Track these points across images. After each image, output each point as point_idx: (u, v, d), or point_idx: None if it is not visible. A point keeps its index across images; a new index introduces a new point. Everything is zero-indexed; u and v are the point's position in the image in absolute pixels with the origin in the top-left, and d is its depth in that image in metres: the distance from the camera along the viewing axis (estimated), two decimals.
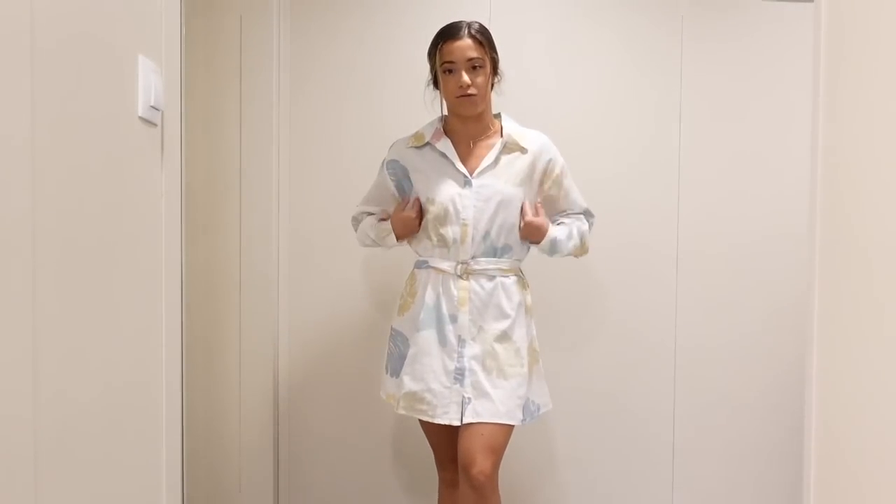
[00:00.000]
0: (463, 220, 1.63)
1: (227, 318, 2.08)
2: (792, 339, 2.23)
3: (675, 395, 2.28)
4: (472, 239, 1.63)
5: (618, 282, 2.25)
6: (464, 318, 1.62)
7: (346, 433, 2.23)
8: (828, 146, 0.85)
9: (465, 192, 1.64)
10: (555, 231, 1.70)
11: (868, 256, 0.76)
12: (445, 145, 1.68)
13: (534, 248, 1.75)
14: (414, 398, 1.63)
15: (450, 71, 1.62)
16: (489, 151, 1.67)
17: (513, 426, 1.61)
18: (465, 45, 1.60)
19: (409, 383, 1.64)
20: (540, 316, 1.79)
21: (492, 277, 1.65)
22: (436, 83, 1.70)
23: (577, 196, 1.77)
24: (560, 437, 2.27)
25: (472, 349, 1.62)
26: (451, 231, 1.64)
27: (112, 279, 0.89)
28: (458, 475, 1.72)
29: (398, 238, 1.73)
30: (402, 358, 1.69)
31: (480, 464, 1.55)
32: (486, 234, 1.64)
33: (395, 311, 1.76)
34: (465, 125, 1.69)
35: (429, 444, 1.79)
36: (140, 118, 0.97)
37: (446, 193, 1.64)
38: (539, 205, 1.71)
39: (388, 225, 1.75)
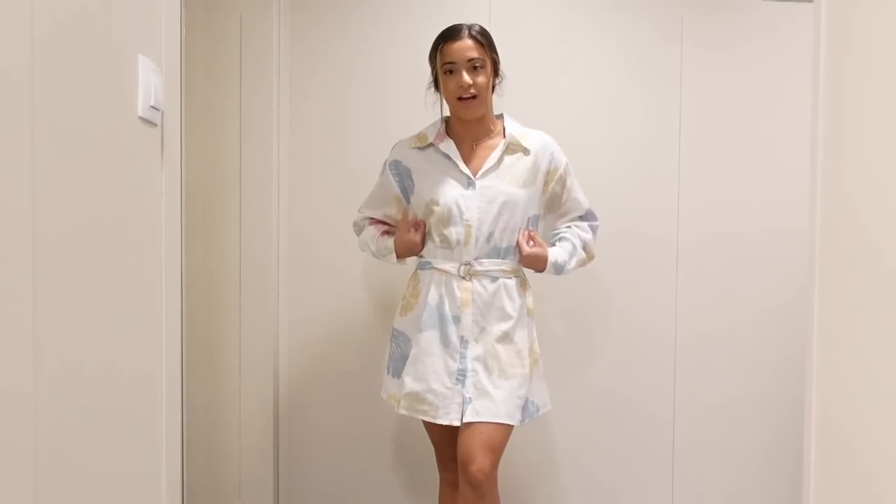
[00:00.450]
0: (466, 221, 1.63)
1: (227, 318, 2.08)
2: (792, 338, 2.23)
3: (674, 394, 2.29)
4: (476, 240, 1.63)
5: (618, 281, 2.25)
6: (467, 318, 1.63)
7: (346, 433, 2.23)
8: (828, 146, 0.85)
9: (469, 193, 1.64)
10: (556, 253, 1.70)
11: (868, 256, 0.76)
12: (449, 146, 1.68)
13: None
14: (416, 398, 1.64)
15: (450, 71, 1.63)
16: (492, 152, 1.68)
17: (512, 426, 1.61)
18: (466, 46, 1.61)
19: (410, 384, 1.64)
20: (540, 315, 1.79)
21: (494, 279, 1.65)
22: (436, 85, 1.71)
23: (580, 196, 1.77)
24: (560, 436, 2.27)
25: (474, 350, 1.62)
26: (454, 232, 1.64)
27: (112, 279, 0.89)
28: (457, 473, 1.73)
29: (399, 258, 1.75)
30: (404, 358, 1.69)
31: (479, 462, 1.55)
32: (490, 236, 1.64)
33: (397, 311, 1.76)
34: (468, 127, 1.70)
35: (431, 444, 1.79)
36: (140, 118, 0.97)
37: (450, 194, 1.65)
38: (533, 232, 1.70)
39: (390, 243, 1.75)
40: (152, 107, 0.99)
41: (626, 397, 2.27)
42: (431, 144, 1.70)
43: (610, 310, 2.26)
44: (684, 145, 2.26)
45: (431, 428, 1.73)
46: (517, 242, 1.68)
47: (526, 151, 1.69)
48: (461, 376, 1.61)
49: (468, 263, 1.64)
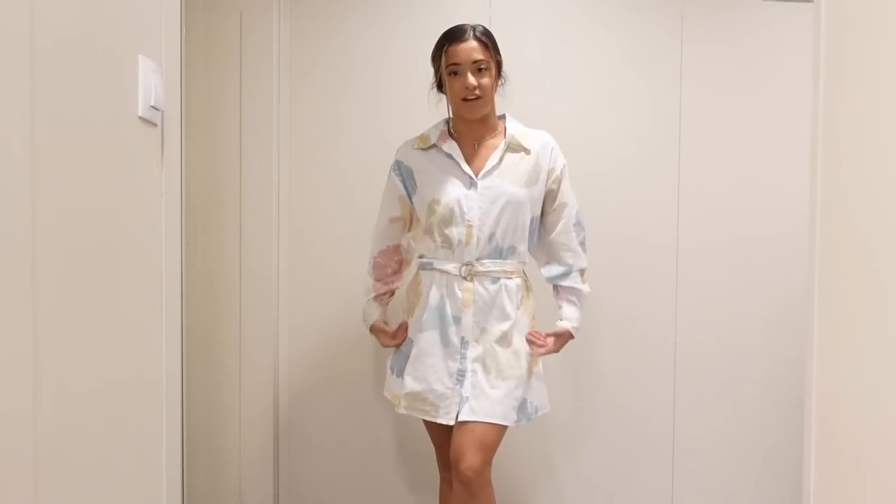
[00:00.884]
0: (468, 221, 1.63)
1: (227, 318, 2.08)
2: (792, 337, 2.23)
3: (674, 393, 2.28)
4: (477, 240, 1.63)
5: (618, 281, 2.25)
6: (467, 319, 1.63)
7: (346, 434, 2.23)
8: (828, 145, 0.85)
9: (471, 193, 1.64)
10: (571, 321, 1.71)
11: (868, 255, 0.76)
12: (451, 147, 1.69)
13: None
14: (416, 398, 1.64)
15: (455, 73, 1.63)
16: (493, 152, 1.68)
17: (506, 427, 1.61)
18: (471, 48, 1.61)
19: (411, 383, 1.65)
20: (540, 315, 1.79)
21: (496, 279, 1.65)
22: (439, 86, 1.71)
23: (571, 200, 1.74)
24: (560, 437, 2.27)
25: (474, 351, 1.63)
26: (455, 232, 1.64)
27: (112, 279, 0.89)
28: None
29: (370, 329, 1.81)
30: (406, 358, 1.69)
31: (469, 459, 1.56)
32: (492, 236, 1.64)
33: (405, 311, 1.78)
34: (470, 127, 1.70)
35: (431, 444, 1.79)
36: (140, 118, 0.97)
37: (452, 194, 1.64)
38: (535, 333, 1.69)
39: (370, 317, 1.79)
40: (152, 107, 0.99)
41: (626, 396, 2.27)
42: (434, 145, 1.71)
43: (610, 311, 2.26)
44: (684, 145, 2.26)
45: (431, 427, 1.74)
46: (530, 352, 1.67)
47: (527, 151, 1.68)
48: (461, 376, 1.62)
49: (469, 264, 1.64)
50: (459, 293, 1.64)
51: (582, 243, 1.76)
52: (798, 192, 2.22)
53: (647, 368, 2.27)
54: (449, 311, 1.64)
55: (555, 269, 1.76)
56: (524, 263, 1.73)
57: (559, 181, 1.72)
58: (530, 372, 1.68)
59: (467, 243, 1.64)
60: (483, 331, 1.64)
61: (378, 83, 2.19)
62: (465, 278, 1.64)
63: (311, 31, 2.18)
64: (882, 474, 0.74)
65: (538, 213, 1.72)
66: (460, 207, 1.63)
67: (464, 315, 1.63)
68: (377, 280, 1.81)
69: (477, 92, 1.61)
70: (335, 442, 2.23)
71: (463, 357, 1.63)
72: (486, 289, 1.64)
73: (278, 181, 2.15)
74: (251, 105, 2.07)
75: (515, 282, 1.67)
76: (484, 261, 1.65)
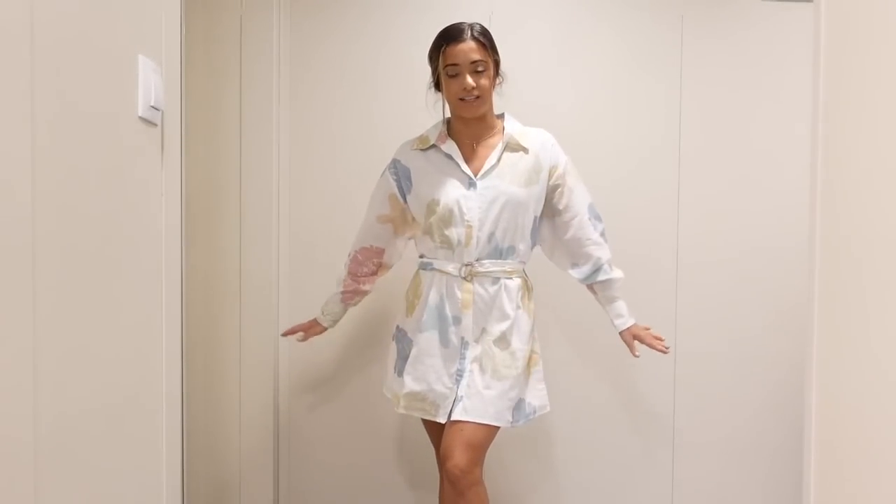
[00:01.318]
0: (467, 221, 1.63)
1: (227, 318, 2.08)
2: (792, 340, 2.23)
3: (675, 396, 2.28)
4: (477, 241, 1.63)
5: None
6: (467, 320, 1.63)
7: (346, 433, 2.23)
8: (828, 146, 0.85)
9: (470, 193, 1.63)
10: (625, 317, 1.78)
11: (868, 255, 0.76)
12: (450, 147, 1.68)
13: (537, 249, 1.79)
14: (416, 398, 1.64)
15: (453, 74, 1.62)
16: (492, 152, 1.67)
17: (497, 427, 1.61)
18: (469, 48, 1.60)
19: (410, 383, 1.65)
20: (541, 316, 1.79)
21: (496, 280, 1.64)
22: (437, 86, 1.70)
23: (581, 195, 1.73)
24: (559, 436, 2.27)
25: (473, 351, 1.63)
26: (455, 233, 1.63)
27: (112, 279, 0.89)
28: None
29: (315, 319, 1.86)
30: (406, 358, 1.69)
31: (457, 458, 1.55)
32: (491, 236, 1.63)
33: (403, 311, 1.77)
34: (469, 127, 1.69)
35: (431, 443, 1.79)
36: (140, 118, 0.97)
37: (451, 195, 1.64)
38: (631, 342, 1.79)
39: (328, 314, 1.85)
40: (152, 107, 0.99)
41: (627, 398, 2.27)
42: (433, 146, 1.70)
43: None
44: (684, 145, 2.26)
45: (431, 427, 1.74)
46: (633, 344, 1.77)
47: (525, 150, 1.68)
48: (459, 377, 1.62)
49: (469, 264, 1.64)
50: (459, 294, 1.63)
51: (602, 234, 1.75)
52: (798, 192, 2.22)
53: (648, 369, 2.27)
54: (448, 312, 1.64)
55: (585, 269, 1.75)
56: (524, 263, 1.72)
57: (563, 177, 1.70)
58: (528, 372, 1.67)
59: (467, 244, 1.63)
60: (483, 331, 1.63)
61: (378, 83, 2.19)
62: (464, 279, 1.64)
63: (311, 31, 2.18)
64: (882, 475, 0.74)
65: (540, 212, 1.71)
66: (459, 208, 1.63)
67: (464, 316, 1.63)
68: (349, 274, 1.81)
69: (475, 93, 1.60)
70: (335, 441, 2.23)
71: (462, 357, 1.63)
72: (486, 290, 1.64)
73: (278, 181, 2.15)
74: (251, 105, 2.07)
75: (516, 282, 1.67)
76: (484, 261, 1.64)
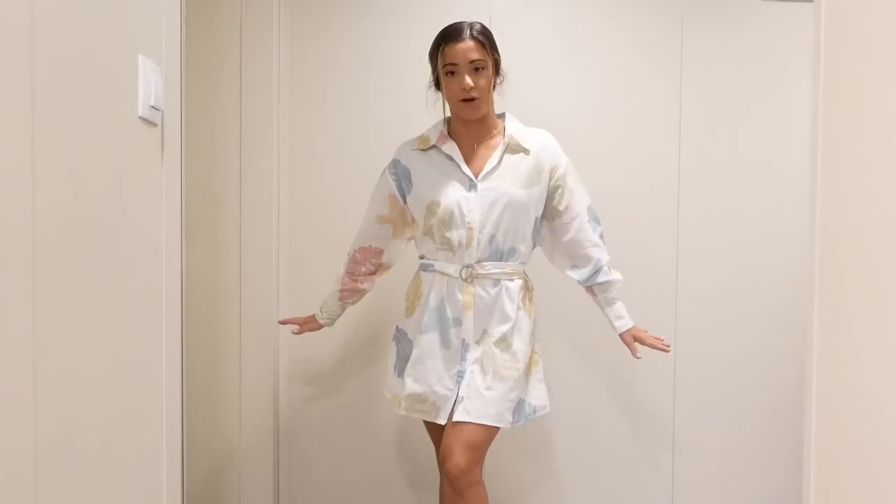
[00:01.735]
0: (468, 223, 1.62)
1: (227, 318, 2.08)
2: (792, 339, 2.23)
3: (675, 396, 2.28)
4: (478, 243, 1.62)
5: None
6: (468, 322, 1.63)
7: (346, 434, 2.23)
8: (827, 145, 0.85)
9: (471, 195, 1.63)
10: (625, 319, 1.77)
11: (868, 255, 0.76)
12: (451, 148, 1.67)
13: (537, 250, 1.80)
14: (416, 399, 1.64)
15: (452, 73, 1.61)
16: (493, 153, 1.66)
17: (498, 428, 1.61)
18: (468, 47, 1.59)
19: (411, 385, 1.65)
20: (540, 318, 1.79)
21: (496, 282, 1.64)
22: (437, 85, 1.70)
23: (581, 197, 1.72)
24: (559, 436, 2.27)
25: (474, 353, 1.62)
26: (456, 235, 1.63)
27: (112, 279, 0.89)
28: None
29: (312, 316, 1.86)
30: (407, 359, 1.69)
31: (456, 458, 1.56)
32: (492, 238, 1.63)
33: (403, 311, 1.77)
34: (469, 127, 1.68)
35: (432, 444, 1.79)
36: (140, 118, 0.97)
37: (452, 196, 1.63)
38: (632, 344, 1.77)
39: (326, 312, 1.84)
40: (152, 107, 0.99)
41: (627, 398, 2.27)
42: (434, 146, 1.69)
43: None
44: (684, 144, 2.26)
45: (432, 428, 1.74)
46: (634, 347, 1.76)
47: (526, 151, 1.67)
48: (460, 378, 1.62)
49: (470, 266, 1.63)
50: (460, 296, 1.63)
51: (601, 236, 1.74)
52: (798, 192, 2.22)
53: (647, 370, 2.27)
54: (449, 314, 1.64)
55: (584, 271, 1.74)
56: (525, 264, 1.72)
57: (563, 179, 1.70)
58: (529, 373, 1.67)
59: (467, 246, 1.63)
60: (484, 332, 1.63)
61: (378, 82, 2.19)
62: (465, 281, 1.63)
63: (310, 31, 2.18)
64: (882, 475, 0.74)
65: (540, 213, 1.71)
66: (460, 210, 1.62)
67: (464, 317, 1.63)
68: (348, 273, 1.80)
69: (473, 93, 1.60)
70: (335, 442, 2.23)
71: (463, 359, 1.62)
72: (486, 292, 1.63)
73: (278, 181, 2.15)
74: (251, 105, 2.07)
75: (516, 283, 1.66)
76: (484, 263, 1.64)
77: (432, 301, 1.65)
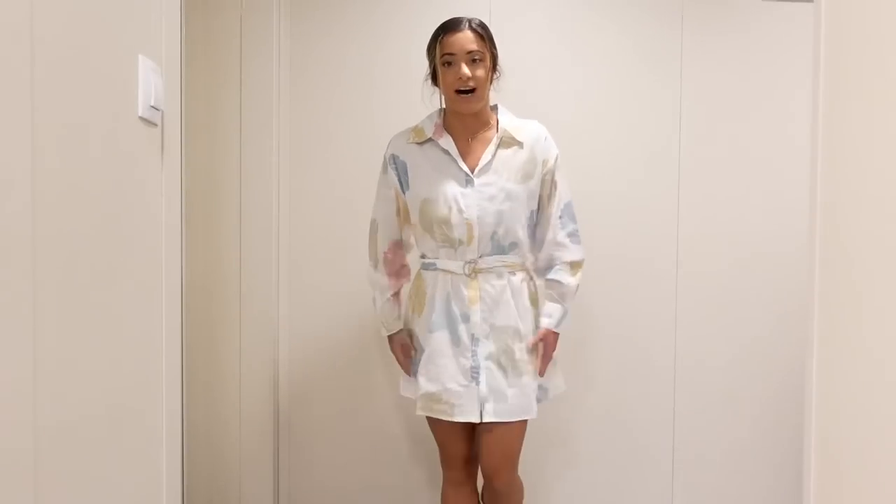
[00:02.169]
0: (467, 219, 1.62)
1: (227, 318, 2.08)
2: (792, 338, 2.23)
3: (675, 398, 2.28)
4: (479, 238, 1.63)
5: (617, 283, 2.25)
6: (476, 316, 1.63)
7: (346, 434, 2.23)
8: (828, 145, 0.85)
9: (468, 191, 1.63)
10: (550, 318, 1.69)
11: (868, 257, 0.76)
12: (448, 142, 1.67)
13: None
14: (431, 398, 1.65)
15: (449, 63, 1.61)
16: (487, 147, 1.66)
17: (527, 420, 1.68)
18: (466, 38, 1.59)
19: (425, 384, 1.65)
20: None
21: (500, 275, 1.65)
22: (434, 79, 1.69)
23: (563, 189, 1.71)
24: (559, 436, 2.27)
25: (485, 347, 1.63)
26: (456, 231, 1.63)
27: (112, 279, 0.89)
28: (464, 474, 1.75)
29: (389, 339, 1.81)
30: (417, 359, 1.71)
31: (504, 476, 1.69)
32: (493, 233, 1.63)
33: (409, 312, 1.77)
34: (464, 121, 1.68)
35: (436, 444, 1.78)
36: (140, 118, 0.97)
37: (449, 193, 1.63)
38: (534, 342, 1.68)
39: (389, 322, 1.77)
40: (152, 107, 0.99)
41: (627, 401, 2.27)
42: (430, 139, 1.69)
43: (609, 314, 2.25)
44: (684, 142, 2.26)
45: (441, 427, 1.71)
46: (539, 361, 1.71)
47: (520, 145, 1.67)
48: (475, 374, 1.63)
49: (472, 262, 1.64)
50: (466, 291, 1.64)
51: (570, 235, 1.71)
52: (799, 189, 2.22)
53: (648, 371, 2.27)
54: (457, 310, 1.64)
55: (540, 262, 1.76)
56: (526, 256, 1.73)
57: (552, 172, 1.70)
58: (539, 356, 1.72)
59: (468, 242, 1.63)
60: (492, 327, 1.64)
61: (378, 82, 2.19)
62: (469, 276, 1.64)
63: (310, 31, 2.18)
64: (882, 476, 0.74)
65: (535, 206, 1.71)
66: (458, 206, 1.62)
67: (472, 313, 1.63)
68: (390, 276, 1.78)
69: (471, 83, 1.59)
70: (335, 442, 2.23)
71: (475, 354, 1.63)
72: (491, 285, 1.64)
73: (278, 181, 2.15)
74: (251, 105, 2.07)
75: (519, 276, 1.68)
76: (486, 257, 1.64)
77: (439, 299, 1.65)
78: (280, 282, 2.18)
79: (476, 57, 1.60)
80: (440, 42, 1.62)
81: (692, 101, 2.25)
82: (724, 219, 2.26)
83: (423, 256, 1.74)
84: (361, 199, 2.16)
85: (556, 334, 1.71)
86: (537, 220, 1.73)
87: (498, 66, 1.69)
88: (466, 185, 1.64)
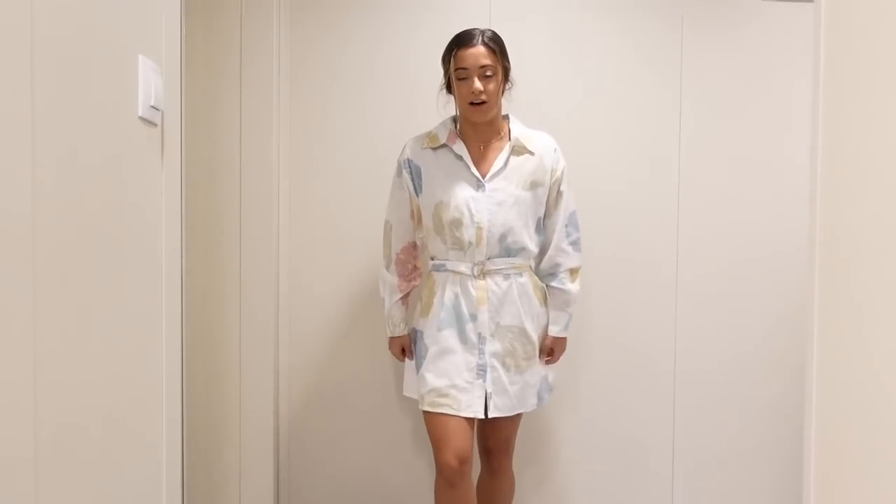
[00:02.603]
0: (478, 223, 1.70)
1: (227, 318, 2.08)
2: (792, 341, 2.23)
3: (674, 399, 2.28)
4: (488, 241, 1.70)
5: (617, 284, 2.25)
6: (483, 316, 1.71)
7: (346, 435, 2.23)
8: (828, 146, 0.85)
9: (479, 195, 1.71)
10: (557, 326, 1.83)
11: (868, 258, 0.76)
12: (461, 148, 1.75)
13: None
14: (438, 394, 1.70)
15: (463, 78, 1.68)
16: (499, 154, 1.74)
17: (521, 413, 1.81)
18: (479, 53, 1.66)
19: (432, 380, 1.71)
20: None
21: (507, 276, 1.73)
22: (448, 88, 1.77)
23: (568, 201, 1.82)
24: (559, 436, 2.27)
25: (492, 346, 1.72)
26: (466, 234, 1.71)
27: (112, 280, 0.89)
28: (459, 471, 1.74)
29: (390, 339, 1.90)
30: (423, 357, 1.75)
31: (502, 456, 1.88)
32: (501, 236, 1.71)
33: (417, 312, 1.83)
34: (477, 129, 1.75)
35: (431, 444, 1.77)
36: (140, 118, 0.97)
37: (461, 196, 1.71)
38: (546, 349, 1.84)
39: (395, 322, 1.86)
40: (152, 107, 0.99)
41: (626, 401, 2.27)
42: (444, 145, 1.76)
43: (610, 314, 2.25)
44: (684, 144, 2.26)
45: (443, 422, 1.71)
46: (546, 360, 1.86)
47: (531, 153, 1.75)
48: (482, 371, 1.70)
49: (481, 263, 1.71)
50: (474, 291, 1.71)
51: (574, 243, 1.83)
52: (799, 191, 2.23)
53: (648, 371, 2.27)
54: (465, 310, 1.71)
55: (543, 267, 1.84)
56: (532, 259, 1.81)
57: (559, 182, 1.80)
58: (543, 355, 1.84)
59: (478, 244, 1.71)
60: (498, 326, 1.72)
61: (378, 82, 2.19)
62: (477, 277, 1.71)
63: (310, 31, 2.18)
64: (882, 475, 0.74)
65: (542, 213, 1.80)
66: (469, 209, 1.70)
67: (479, 312, 1.71)
68: (401, 277, 1.85)
69: (483, 97, 1.66)
70: (335, 442, 2.23)
71: (482, 352, 1.71)
72: (498, 286, 1.72)
73: (278, 181, 2.15)
74: (251, 105, 2.07)
75: (525, 277, 1.76)
76: (494, 259, 1.73)
77: (447, 299, 1.73)
78: (280, 282, 2.18)
79: (489, 72, 1.67)
80: (454, 56, 1.69)
81: (692, 100, 2.25)
82: (725, 219, 2.26)
83: (432, 258, 1.81)
84: (361, 199, 2.16)
85: (565, 339, 1.87)
86: (543, 227, 1.83)
87: (510, 78, 1.76)
88: (478, 190, 1.71)
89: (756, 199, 2.26)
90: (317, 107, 2.20)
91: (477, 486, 1.93)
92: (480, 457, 1.91)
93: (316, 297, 2.21)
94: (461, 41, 1.68)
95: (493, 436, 1.85)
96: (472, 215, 1.70)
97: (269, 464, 2.14)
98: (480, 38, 1.67)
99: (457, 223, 1.71)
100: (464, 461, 1.73)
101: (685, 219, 2.26)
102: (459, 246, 1.72)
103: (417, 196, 1.80)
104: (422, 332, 1.78)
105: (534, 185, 1.74)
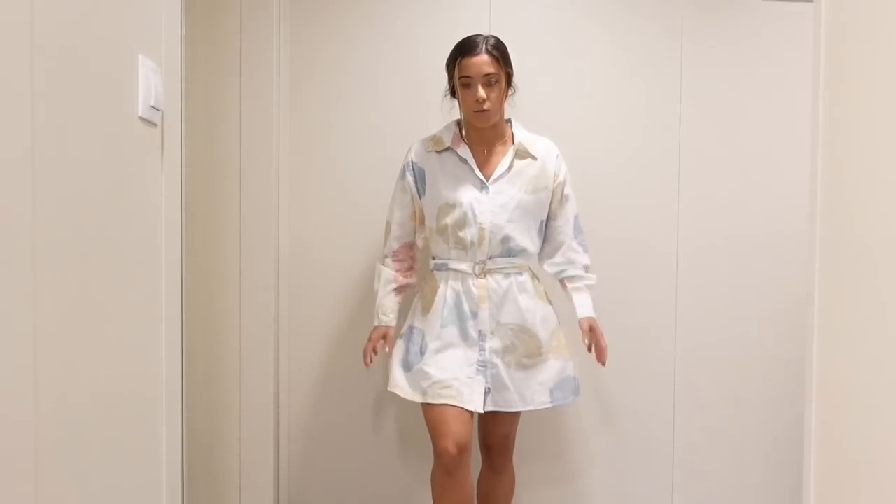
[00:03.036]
0: (480, 224, 1.74)
1: (227, 318, 2.08)
2: (792, 338, 2.23)
3: (675, 394, 2.28)
4: (490, 241, 1.74)
5: (618, 280, 2.25)
6: (484, 314, 1.75)
7: (346, 435, 2.23)
8: (828, 145, 0.85)
9: (483, 196, 1.75)
10: (586, 309, 1.86)
11: (868, 255, 0.76)
12: (466, 151, 1.78)
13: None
14: (442, 385, 1.72)
15: (467, 85, 1.71)
16: (503, 158, 1.78)
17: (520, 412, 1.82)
18: (482, 61, 1.69)
19: (435, 374, 1.73)
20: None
21: (507, 275, 1.77)
22: (453, 92, 1.80)
23: (572, 205, 1.86)
24: (560, 437, 2.27)
25: (492, 343, 1.75)
26: (469, 234, 1.74)
27: (112, 279, 0.89)
28: (458, 458, 1.73)
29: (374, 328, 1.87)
30: (422, 353, 1.77)
31: (502, 451, 1.89)
32: (503, 238, 1.74)
33: (417, 310, 1.84)
34: (481, 133, 1.79)
35: (430, 435, 1.76)
36: (140, 118, 0.97)
37: (465, 198, 1.75)
38: (586, 332, 1.85)
39: (384, 312, 1.85)
40: (152, 107, 1.00)
41: (626, 396, 2.27)
42: (449, 148, 1.79)
43: (610, 312, 2.25)
44: (684, 145, 2.26)
45: (444, 409, 1.71)
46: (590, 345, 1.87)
47: (534, 158, 1.79)
48: (482, 367, 1.74)
49: (482, 262, 1.75)
50: (475, 290, 1.75)
51: (581, 244, 1.88)
52: (798, 192, 2.22)
53: (648, 369, 2.28)
54: (466, 308, 1.75)
55: (558, 265, 1.88)
56: (532, 261, 1.84)
57: (562, 187, 1.84)
58: (560, 353, 1.83)
59: (480, 244, 1.74)
60: (498, 324, 1.75)
61: (377, 84, 2.19)
62: (478, 276, 1.75)
63: (310, 32, 2.18)
64: (882, 475, 0.74)
65: (545, 216, 1.83)
66: (473, 211, 1.74)
67: (480, 310, 1.75)
68: (397, 272, 1.88)
69: (486, 105, 1.70)
70: (335, 442, 2.23)
71: (482, 349, 1.74)
72: (499, 284, 1.76)
73: (278, 181, 2.15)
74: (251, 105, 2.07)
75: (525, 276, 1.80)
76: (495, 259, 1.76)
77: (449, 297, 1.76)
78: (280, 282, 2.18)
79: (492, 80, 1.71)
80: (458, 64, 1.72)
81: (692, 100, 2.25)
82: (725, 219, 2.26)
83: (434, 258, 1.84)
84: (361, 199, 2.16)
85: (595, 319, 1.87)
86: (547, 229, 1.87)
87: (513, 83, 1.79)
88: (482, 192, 1.75)
89: (756, 199, 2.26)
90: (317, 107, 2.20)
91: (477, 484, 1.95)
92: (481, 454, 1.93)
93: (316, 297, 2.21)
94: (465, 49, 1.71)
95: (493, 432, 1.87)
96: (475, 216, 1.73)
97: (269, 464, 2.14)
98: (484, 45, 1.70)
99: (460, 224, 1.74)
100: (463, 449, 1.70)
101: (685, 218, 2.26)
102: (462, 246, 1.76)
103: (420, 198, 1.83)
104: (421, 330, 1.80)
105: (536, 189, 1.77)
